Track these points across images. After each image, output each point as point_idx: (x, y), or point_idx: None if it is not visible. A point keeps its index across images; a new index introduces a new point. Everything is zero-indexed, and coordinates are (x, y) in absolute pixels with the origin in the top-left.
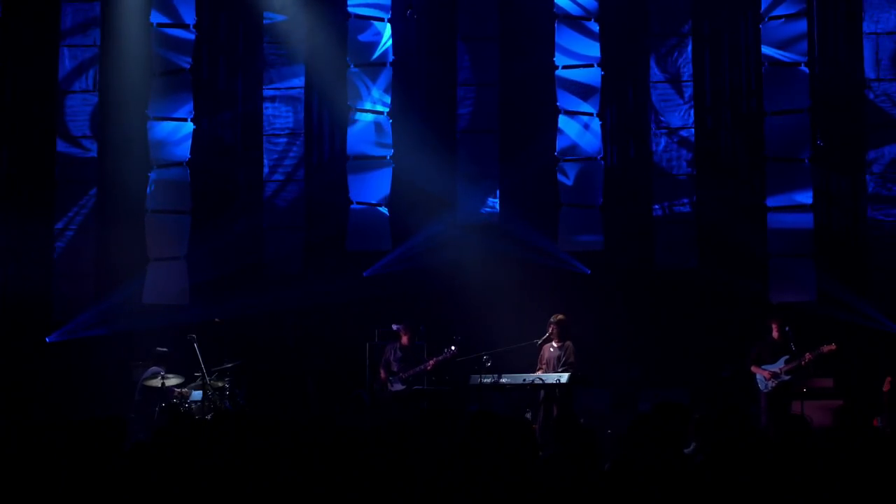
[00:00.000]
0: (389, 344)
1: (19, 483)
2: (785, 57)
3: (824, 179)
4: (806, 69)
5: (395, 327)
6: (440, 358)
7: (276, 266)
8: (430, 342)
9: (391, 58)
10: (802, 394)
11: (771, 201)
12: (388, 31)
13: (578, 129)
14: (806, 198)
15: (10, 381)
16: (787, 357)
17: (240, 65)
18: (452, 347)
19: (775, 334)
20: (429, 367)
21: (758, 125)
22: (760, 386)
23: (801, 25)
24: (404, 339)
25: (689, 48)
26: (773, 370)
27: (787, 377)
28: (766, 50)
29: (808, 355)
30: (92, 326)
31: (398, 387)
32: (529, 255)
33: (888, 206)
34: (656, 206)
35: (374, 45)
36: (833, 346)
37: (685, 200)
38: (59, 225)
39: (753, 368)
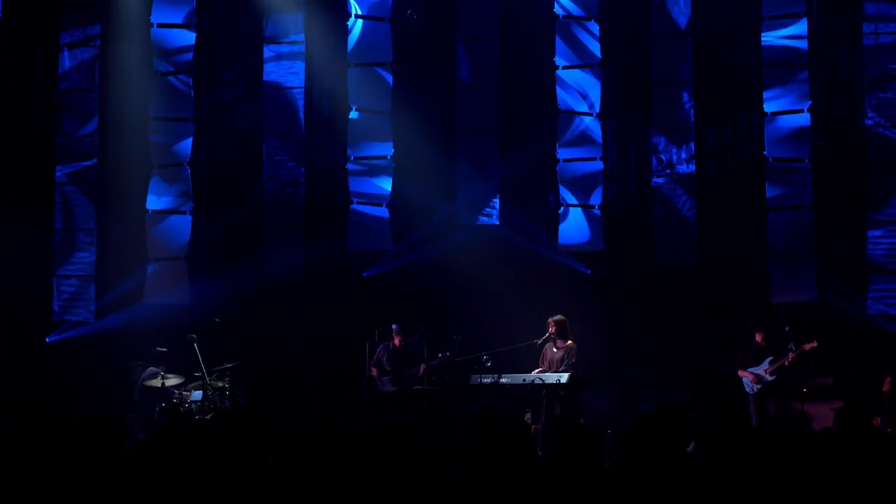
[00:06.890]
0: (382, 343)
1: (20, 483)
2: (785, 57)
3: (825, 179)
4: (806, 69)
5: (394, 327)
6: (433, 363)
7: (276, 266)
8: (430, 342)
9: (391, 57)
10: (802, 393)
11: (771, 201)
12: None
13: (578, 129)
14: (806, 198)
15: (10, 381)
16: (770, 358)
17: (240, 64)
18: (447, 353)
19: (758, 338)
20: (420, 373)
21: (758, 125)
22: (747, 388)
23: (802, 25)
24: (396, 341)
25: (690, 48)
26: (757, 372)
27: (771, 378)
28: (766, 51)
29: (790, 354)
30: (92, 326)
31: (390, 388)
32: (529, 255)
33: (887, 205)
34: (656, 207)
35: None
36: (814, 344)
37: (685, 200)
38: (59, 225)
39: (740, 372)
